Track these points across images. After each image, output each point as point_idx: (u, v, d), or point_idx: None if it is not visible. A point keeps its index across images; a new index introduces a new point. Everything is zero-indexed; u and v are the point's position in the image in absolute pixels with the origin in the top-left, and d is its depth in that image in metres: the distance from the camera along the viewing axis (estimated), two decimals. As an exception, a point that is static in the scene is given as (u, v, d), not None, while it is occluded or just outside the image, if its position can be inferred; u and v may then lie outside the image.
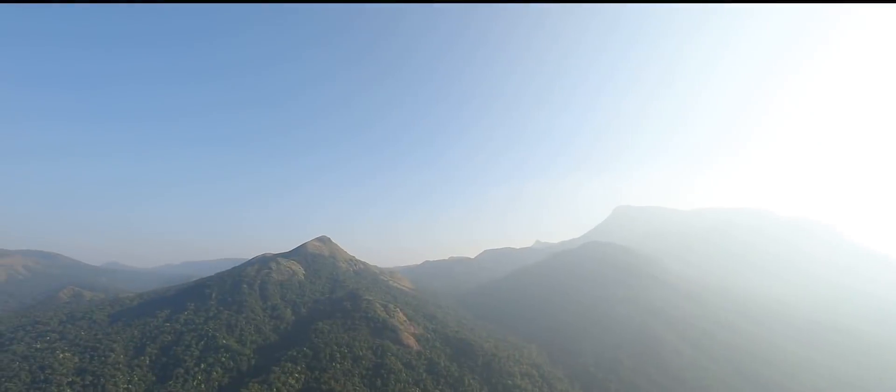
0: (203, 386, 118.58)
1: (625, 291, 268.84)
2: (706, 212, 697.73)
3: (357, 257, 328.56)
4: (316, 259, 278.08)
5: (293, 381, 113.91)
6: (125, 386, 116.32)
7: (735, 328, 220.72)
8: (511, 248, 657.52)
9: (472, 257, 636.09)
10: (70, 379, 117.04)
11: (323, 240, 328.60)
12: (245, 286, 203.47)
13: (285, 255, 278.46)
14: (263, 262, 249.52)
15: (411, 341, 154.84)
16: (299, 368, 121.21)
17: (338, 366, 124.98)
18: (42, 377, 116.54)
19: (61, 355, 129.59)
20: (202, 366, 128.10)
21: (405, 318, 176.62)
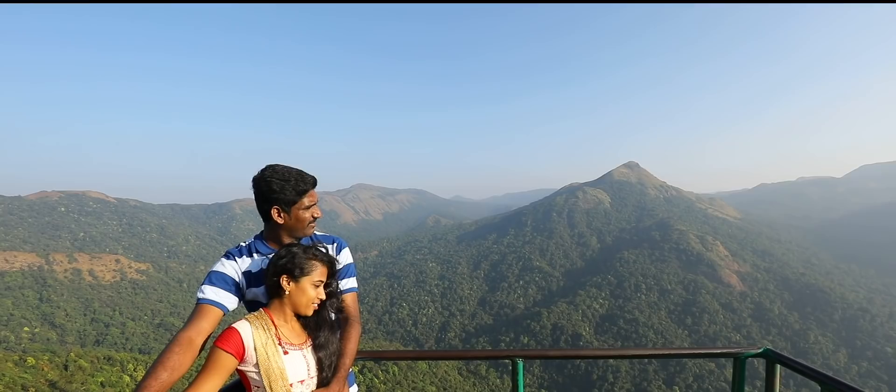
0: (521, 299, 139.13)
1: None
2: None
3: (668, 183, 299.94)
4: (622, 186, 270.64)
5: (597, 306, 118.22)
6: (468, 291, 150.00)
7: None
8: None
9: (838, 177, 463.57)
10: (436, 282, 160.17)
11: (630, 165, 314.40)
12: (554, 214, 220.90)
13: (591, 184, 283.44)
14: (571, 191, 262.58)
15: (733, 279, 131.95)
16: (603, 294, 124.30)
17: (643, 297, 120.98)
18: (421, 279, 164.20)
19: (430, 264, 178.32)
20: (521, 282, 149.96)
21: (727, 253, 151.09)
